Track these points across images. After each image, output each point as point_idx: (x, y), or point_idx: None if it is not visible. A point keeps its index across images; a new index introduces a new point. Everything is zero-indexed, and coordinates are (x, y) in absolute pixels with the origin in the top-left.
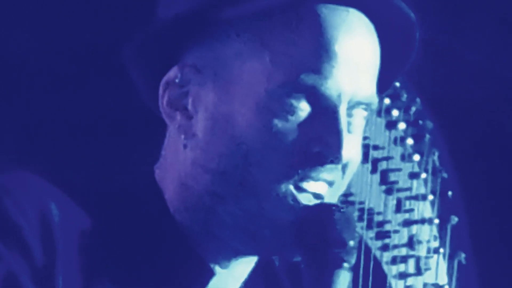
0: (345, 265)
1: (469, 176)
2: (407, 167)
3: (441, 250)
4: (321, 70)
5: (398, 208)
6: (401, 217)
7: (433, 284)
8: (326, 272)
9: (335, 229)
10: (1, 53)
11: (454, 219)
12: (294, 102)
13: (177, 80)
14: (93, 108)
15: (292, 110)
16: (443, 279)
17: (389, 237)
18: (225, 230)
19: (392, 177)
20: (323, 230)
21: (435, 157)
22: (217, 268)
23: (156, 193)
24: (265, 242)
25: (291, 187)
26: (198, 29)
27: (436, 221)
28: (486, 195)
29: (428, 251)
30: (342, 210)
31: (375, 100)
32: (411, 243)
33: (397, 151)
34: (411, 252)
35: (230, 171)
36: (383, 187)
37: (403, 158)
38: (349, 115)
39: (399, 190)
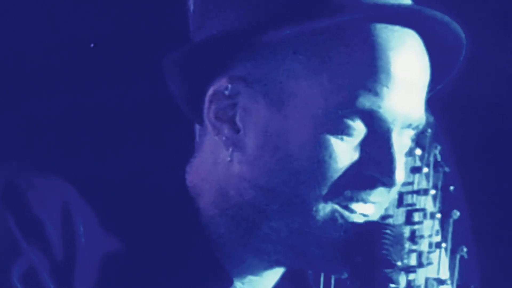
0: (392, 286)
1: (471, 170)
2: (409, 162)
3: (443, 244)
4: (378, 92)
5: (400, 203)
6: (403, 211)
7: (435, 279)
8: None
9: (384, 249)
10: (16, 51)
11: (456, 214)
12: (350, 123)
13: (226, 92)
14: (115, 108)
15: (348, 131)
16: (445, 274)
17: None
18: (267, 244)
19: None
20: (372, 249)
21: (437, 152)
22: (239, 279)
23: (186, 198)
24: (311, 258)
25: (339, 207)
26: (251, 43)
27: (438, 215)
28: (488, 190)
29: (430, 245)
30: (392, 229)
31: (424, 121)
32: (413, 237)
33: None
34: (413, 247)
35: (279, 188)
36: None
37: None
38: (399, 135)
39: (401, 184)
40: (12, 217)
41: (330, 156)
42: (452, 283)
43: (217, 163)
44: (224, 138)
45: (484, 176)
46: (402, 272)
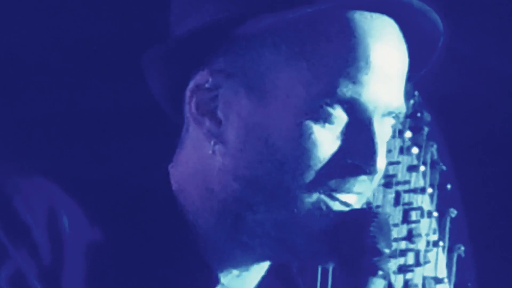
0: (380, 272)
1: (468, 169)
2: (406, 160)
3: (441, 243)
4: (358, 80)
5: (397, 201)
6: (400, 210)
7: (432, 277)
8: (361, 279)
9: (370, 236)
10: (12, 51)
11: (453, 212)
12: (332, 111)
13: (207, 85)
14: (99, 108)
15: (329, 120)
16: (442, 272)
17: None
18: (253, 237)
19: (391, 170)
20: (359, 237)
21: (434, 150)
22: (226, 276)
23: (169, 195)
24: (297, 249)
25: (324, 196)
26: (231, 36)
27: (435, 214)
28: (485, 188)
29: (428, 244)
30: (377, 216)
31: (404, 109)
32: (410, 236)
33: (395, 144)
34: (411, 246)
35: (262, 179)
36: (382, 180)
37: (401, 151)
38: (380, 124)
39: (397, 183)
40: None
41: (313, 145)
42: (449, 282)
43: (200, 158)
44: (206, 131)
45: (481, 175)
46: (390, 259)
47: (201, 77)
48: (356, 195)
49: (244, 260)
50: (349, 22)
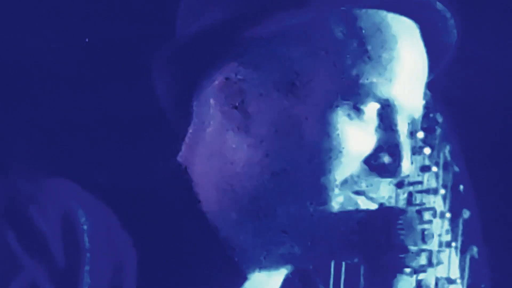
0: (407, 270)
1: (481, 170)
2: (418, 161)
3: (453, 244)
4: (391, 80)
5: (410, 202)
6: (412, 210)
7: (445, 278)
8: (388, 277)
9: (397, 234)
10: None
11: (466, 213)
12: (364, 109)
13: (236, 78)
14: (108, 107)
15: (361, 118)
16: (455, 273)
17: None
18: (281, 232)
19: None
20: (386, 234)
21: (447, 151)
22: (253, 274)
23: (190, 192)
24: (325, 245)
25: (353, 194)
26: (258, 29)
27: (448, 215)
28: (498, 189)
29: (440, 245)
30: (404, 214)
31: (421, 110)
32: (422, 236)
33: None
34: (423, 246)
35: (292, 174)
36: (394, 181)
37: (414, 151)
38: (403, 125)
39: (410, 183)
40: (13, 232)
41: (344, 142)
42: (462, 283)
43: (224, 152)
44: (235, 124)
45: (494, 176)
46: (417, 257)
47: (231, 70)
48: (381, 193)
49: (270, 256)
50: (383, 22)
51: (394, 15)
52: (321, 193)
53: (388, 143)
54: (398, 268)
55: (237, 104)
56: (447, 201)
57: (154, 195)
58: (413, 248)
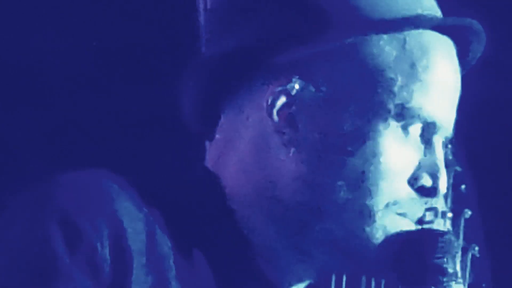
0: None
1: (482, 169)
2: None
3: (449, 214)
4: (436, 101)
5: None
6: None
7: None
8: None
9: (436, 256)
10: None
11: (468, 213)
12: (411, 131)
13: (288, 91)
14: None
15: (407, 139)
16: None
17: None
18: (318, 246)
19: None
20: (424, 255)
21: (448, 150)
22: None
23: (222, 202)
24: (363, 261)
25: (396, 215)
26: (307, 45)
27: (450, 214)
28: (499, 188)
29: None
30: (445, 237)
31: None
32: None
33: None
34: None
35: (338, 191)
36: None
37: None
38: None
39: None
40: (62, 244)
41: (393, 165)
42: (464, 282)
43: (267, 164)
44: (285, 136)
45: (496, 175)
46: (454, 279)
47: (283, 83)
48: (419, 215)
49: (302, 270)
50: (429, 44)
51: (437, 34)
52: (365, 212)
53: (428, 164)
54: None
55: (286, 117)
56: (449, 201)
57: (184, 201)
58: (451, 270)
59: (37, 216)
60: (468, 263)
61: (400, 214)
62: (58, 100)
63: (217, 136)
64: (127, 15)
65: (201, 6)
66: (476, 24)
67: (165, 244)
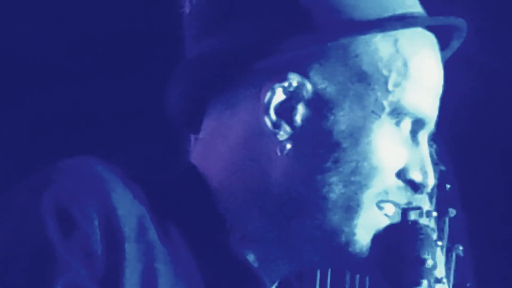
0: (424, 282)
1: (467, 169)
2: None
3: (439, 243)
4: (426, 98)
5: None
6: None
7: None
8: None
9: (414, 247)
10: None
11: (452, 212)
12: (404, 128)
13: (287, 88)
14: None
15: (400, 136)
16: (441, 272)
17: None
18: (305, 242)
19: None
20: (404, 249)
21: (433, 150)
22: (269, 281)
23: (207, 195)
24: (348, 257)
25: (381, 210)
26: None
27: (434, 214)
28: (484, 188)
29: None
30: (422, 228)
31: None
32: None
33: None
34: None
35: (331, 187)
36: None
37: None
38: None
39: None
40: (57, 232)
41: (385, 160)
42: (448, 281)
43: (258, 158)
44: (282, 133)
45: (480, 174)
46: (433, 270)
47: (278, 80)
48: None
49: (288, 264)
50: (416, 39)
51: (426, 32)
52: (356, 207)
53: (417, 159)
54: (414, 281)
55: (284, 113)
56: (433, 200)
57: (168, 195)
58: (429, 261)
59: (32, 203)
60: (453, 263)
61: (387, 201)
62: (43, 94)
63: (203, 132)
64: (114, 9)
65: (187, 3)
66: (463, 23)
67: (153, 232)
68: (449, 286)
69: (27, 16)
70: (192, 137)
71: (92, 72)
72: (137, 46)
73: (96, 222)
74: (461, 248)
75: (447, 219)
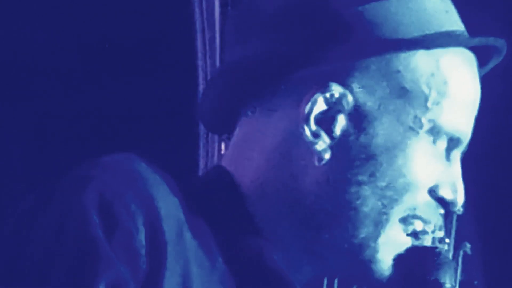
0: None
1: (474, 166)
2: None
3: (447, 240)
4: (462, 116)
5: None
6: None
7: None
8: None
9: (434, 272)
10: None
11: (460, 210)
12: (440, 147)
13: (329, 99)
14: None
15: (436, 155)
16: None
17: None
18: (333, 252)
19: None
20: (423, 271)
21: None
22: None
23: (238, 201)
24: (368, 272)
25: (405, 225)
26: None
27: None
28: (491, 186)
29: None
30: (442, 253)
31: None
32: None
33: None
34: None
35: (362, 200)
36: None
37: None
38: None
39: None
40: (101, 229)
41: (420, 177)
42: (455, 280)
43: (294, 167)
44: (321, 143)
45: (487, 172)
46: None
47: (323, 89)
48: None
49: (310, 271)
50: (461, 61)
51: (467, 51)
52: (384, 221)
53: (449, 177)
54: None
55: (325, 124)
56: None
57: (200, 196)
58: (447, 285)
59: (75, 198)
60: (460, 260)
61: (415, 217)
62: (47, 96)
63: (236, 136)
64: (118, 11)
65: (196, 3)
66: (504, 44)
67: (188, 235)
68: (456, 284)
69: (30, 17)
70: (223, 142)
71: (96, 73)
72: (144, 48)
73: (141, 221)
74: (468, 245)
75: (454, 217)
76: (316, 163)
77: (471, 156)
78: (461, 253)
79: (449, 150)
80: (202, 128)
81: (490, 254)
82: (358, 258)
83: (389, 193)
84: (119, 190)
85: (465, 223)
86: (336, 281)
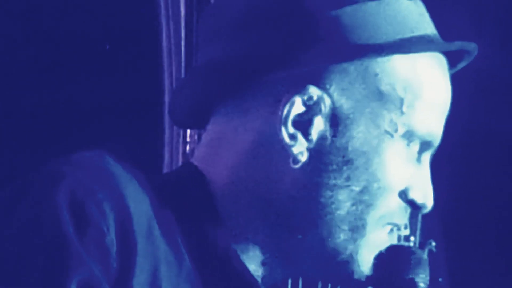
0: None
1: (439, 165)
2: None
3: (412, 238)
4: (436, 120)
5: None
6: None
7: None
8: None
9: (408, 271)
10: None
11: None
12: (414, 149)
13: (306, 101)
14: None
15: (410, 157)
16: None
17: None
18: (306, 255)
19: None
20: (397, 271)
21: None
22: None
23: (209, 201)
24: (345, 273)
25: (381, 228)
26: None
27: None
28: (455, 184)
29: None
30: (416, 253)
31: None
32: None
33: None
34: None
35: (338, 204)
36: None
37: None
38: None
39: None
40: (72, 226)
41: (394, 181)
42: None
43: (261, 168)
44: (297, 145)
45: (452, 171)
46: None
47: (301, 92)
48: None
49: (283, 273)
50: (434, 63)
51: (441, 56)
52: (361, 226)
53: (420, 180)
54: None
55: (302, 126)
56: None
57: (169, 194)
58: (422, 284)
59: (46, 195)
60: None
61: (389, 224)
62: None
63: (208, 135)
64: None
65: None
66: (476, 48)
67: (157, 233)
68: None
69: (23, 14)
70: (196, 141)
71: (60, 70)
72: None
73: (112, 220)
74: (433, 243)
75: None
76: (292, 166)
77: (435, 155)
78: (427, 251)
79: (420, 152)
80: (167, 125)
81: (455, 252)
82: (335, 261)
83: (364, 197)
84: (91, 188)
85: (430, 221)
86: (300, 281)
